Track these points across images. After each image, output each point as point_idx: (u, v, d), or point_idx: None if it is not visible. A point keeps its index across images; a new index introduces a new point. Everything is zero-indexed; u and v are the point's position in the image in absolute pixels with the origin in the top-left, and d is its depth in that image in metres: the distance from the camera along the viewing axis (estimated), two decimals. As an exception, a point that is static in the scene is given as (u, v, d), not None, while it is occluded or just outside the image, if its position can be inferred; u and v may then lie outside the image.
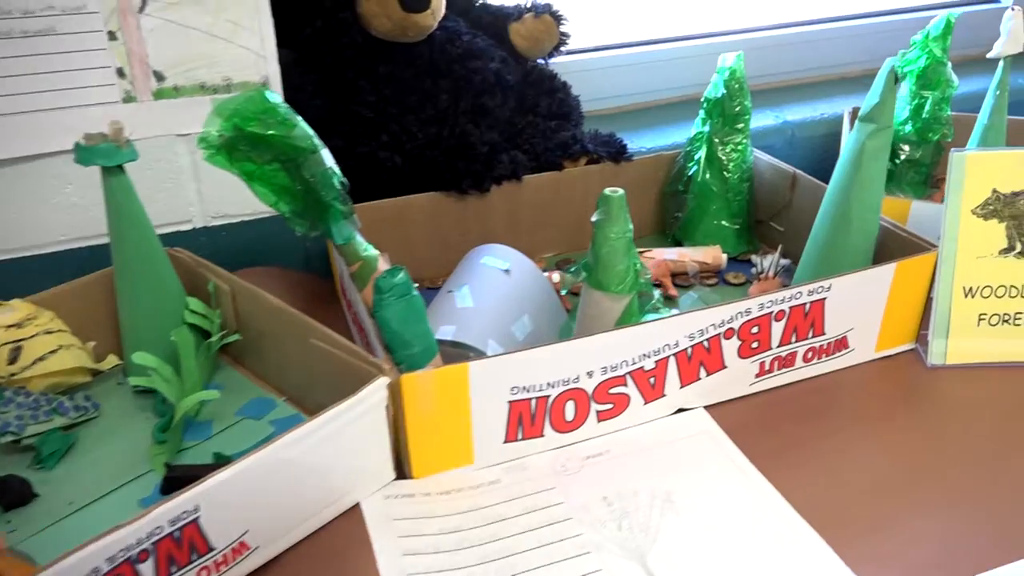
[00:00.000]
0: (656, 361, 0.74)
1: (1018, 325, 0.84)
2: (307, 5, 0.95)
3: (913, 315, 0.85)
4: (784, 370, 0.82)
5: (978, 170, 0.80)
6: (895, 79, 0.80)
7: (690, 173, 1.04)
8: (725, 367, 0.78)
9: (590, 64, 1.27)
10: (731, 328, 0.76)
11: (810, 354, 0.82)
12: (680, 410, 0.79)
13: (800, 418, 0.79)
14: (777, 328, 0.78)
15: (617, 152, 1.06)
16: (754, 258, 1.03)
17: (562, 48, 1.16)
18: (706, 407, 0.79)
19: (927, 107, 1.11)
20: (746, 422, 0.78)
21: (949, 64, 1.13)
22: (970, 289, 0.83)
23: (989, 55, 0.93)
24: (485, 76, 1.03)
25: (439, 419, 0.69)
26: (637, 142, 1.19)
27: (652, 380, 0.75)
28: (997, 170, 0.80)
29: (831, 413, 0.80)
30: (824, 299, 0.79)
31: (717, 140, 1.01)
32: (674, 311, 0.79)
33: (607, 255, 0.75)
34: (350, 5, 0.95)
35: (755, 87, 1.37)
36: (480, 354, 0.74)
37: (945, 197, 0.80)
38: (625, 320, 0.76)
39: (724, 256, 1.02)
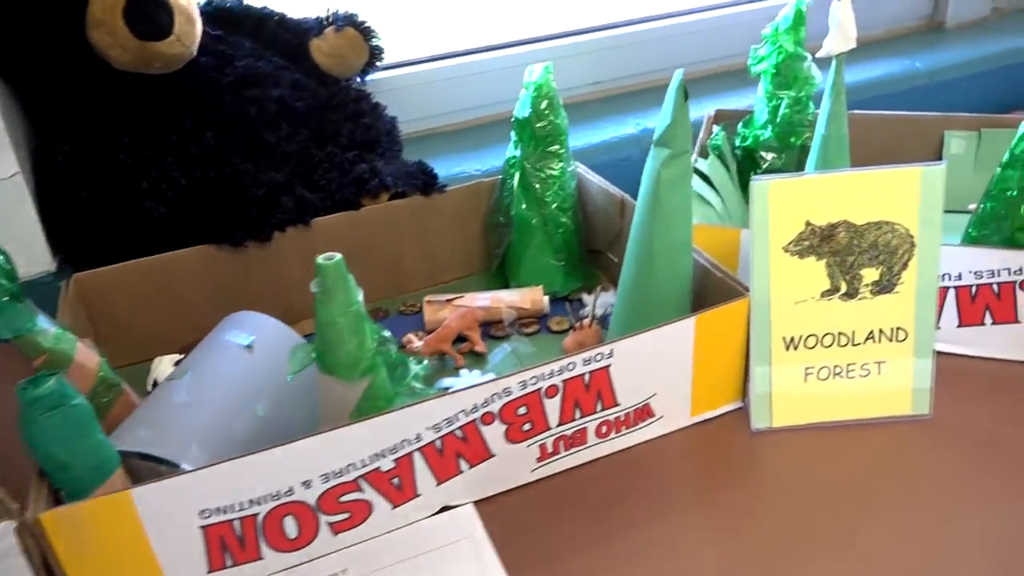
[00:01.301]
0: (395, 460, 0.62)
1: (851, 378, 0.71)
2: (30, 41, 0.82)
3: (733, 371, 0.72)
4: (574, 450, 0.69)
5: (785, 201, 0.67)
6: (684, 95, 0.67)
7: (507, 203, 0.91)
8: (493, 455, 0.65)
9: (411, 79, 1.13)
10: (489, 412, 0.63)
11: (605, 428, 0.69)
12: (446, 508, 0.66)
13: (595, 509, 0.66)
14: (552, 405, 0.65)
15: (425, 184, 0.93)
16: (585, 297, 0.90)
17: (377, 64, 1.03)
18: (478, 502, 0.67)
19: (783, 108, 0.98)
20: (525, 519, 0.65)
21: (808, 57, 0.99)
22: (791, 339, 0.70)
23: (819, 54, 0.80)
24: (264, 106, 0.90)
25: (109, 559, 0.56)
26: (466, 165, 1.06)
27: (396, 481, 0.63)
28: (808, 199, 0.67)
29: (633, 499, 0.67)
30: (607, 366, 0.66)
31: (529, 166, 0.88)
32: (433, 391, 0.66)
33: (332, 336, 0.62)
34: (81, 37, 0.82)
35: (608, 92, 1.26)
36: (173, 468, 0.61)
37: (750, 234, 0.67)
38: (370, 407, 0.64)
39: (546, 299, 0.89)
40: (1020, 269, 0.73)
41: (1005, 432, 0.71)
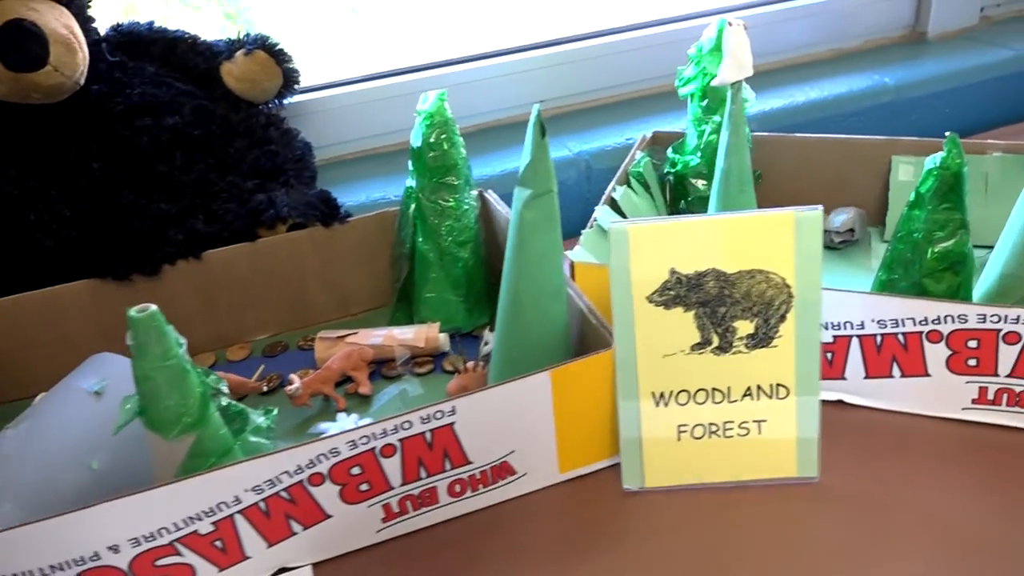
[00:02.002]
0: (214, 523, 0.58)
1: (729, 438, 0.65)
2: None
3: (603, 426, 0.67)
4: (424, 509, 0.64)
5: (647, 247, 0.61)
6: (542, 132, 0.62)
7: (404, 235, 0.87)
8: (329, 516, 0.62)
9: (335, 102, 1.09)
10: (318, 474, 0.59)
11: (459, 487, 0.65)
12: (284, 569, 0.63)
13: (447, 571, 0.62)
14: (391, 465, 0.61)
15: (325, 215, 0.89)
16: (486, 334, 0.85)
17: (294, 87, 1.00)
18: (318, 564, 0.63)
19: (708, 133, 0.92)
20: (365, 586, 0.62)
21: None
22: (661, 395, 0.64)
23: (714, 83, 0.74)
24: (155, 136, 0.87)
25: None
26: (389, 191, 1.02)
27: (219, 543, 0.59)
28: (672, 246, 0.61)
29: (489, 560, 0.62)
30: (451, 424, 0.61)
31: (424, 197, 0.84)
32: (275, 445, 0.62)
33: (149, 391, 0.58)
34: (-46, 67, 0.80)
35: (526, 117, 1.20)
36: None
37: (610, 283, 0.62)
38: (199, 464, 0.60)
39: (442, 337, 0.84)
40: (926, 319, 0.67)
41: (901, 497, 0.64)
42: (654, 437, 0.65)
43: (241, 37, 0.97)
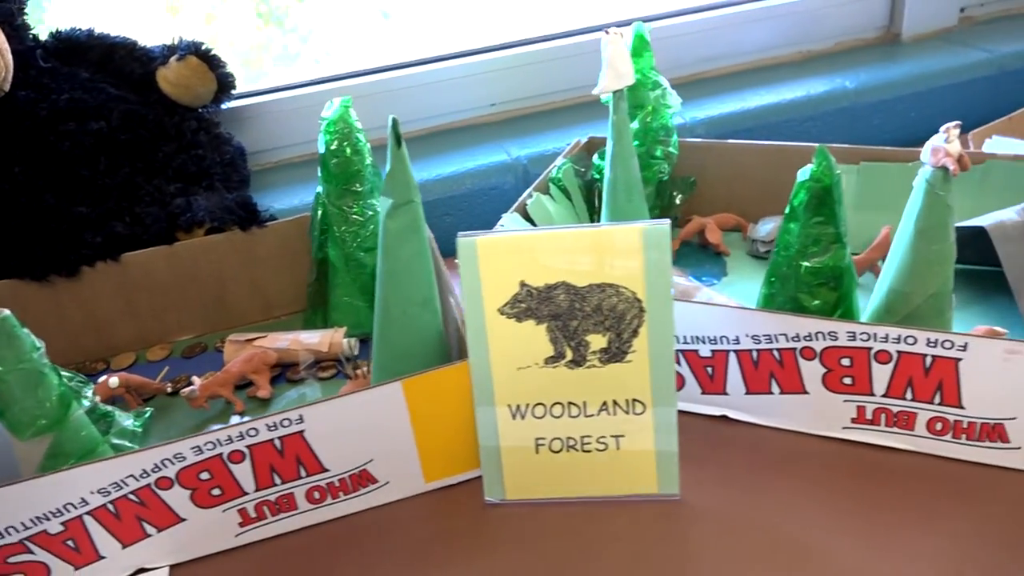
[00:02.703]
0: (63, 523, 0.60)
1: (588, 452, 0.64)
2: None
3: (465, 437, 0.66)
4: (283, 515, 0.65)
5: (497, 259, 0.61)
6: (397, 140, 0.62)
7: (313, 240, 0.88)
8: (183, 519, 0.63)
9: (272, 107, 1.10)
10: (165, 478, 0.60)
11: (318, 494, 0.65)
12: (143, 570, 0.64)
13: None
14: (242, 471, 0.62)
15: (243, 219, 0.90)
16: (352, 341, 0.86)
17: (230, 92, 1.01)
18: (178, 564, 0.64)
19: (639, 141, 0.91)
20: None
21: (664, 84, 0.92)
22: (518, 408, 0.64)
23: (593, 91, 0.72)
24: (80, 140, 0.90)
25: None
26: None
27: (71, 543, 0.61)
28: (522, 258, 0.61)
29: (346, 568, 0.63)
30: (300, 431, 0.62)
31: (329, 204, 0.84)
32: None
33: (3, 393, 0.60)
34: None
35: (480, 120, 1.19)
36: None
37: (461, 295, 0.62)
38: (58, 464, 0.62)
39: (347, 342, 0.85)
40: (798, 336, 0.65)
41: (763, 517, 0.63)
42: (513, 449, 0.65)
43: (175, 43, 0.98)
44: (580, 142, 1.00)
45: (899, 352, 0.62)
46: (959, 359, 0.61)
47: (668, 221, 0.59)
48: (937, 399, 0.63)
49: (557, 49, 1.20)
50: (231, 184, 0.98)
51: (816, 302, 0.66)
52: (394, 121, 0.62)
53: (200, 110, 1.02)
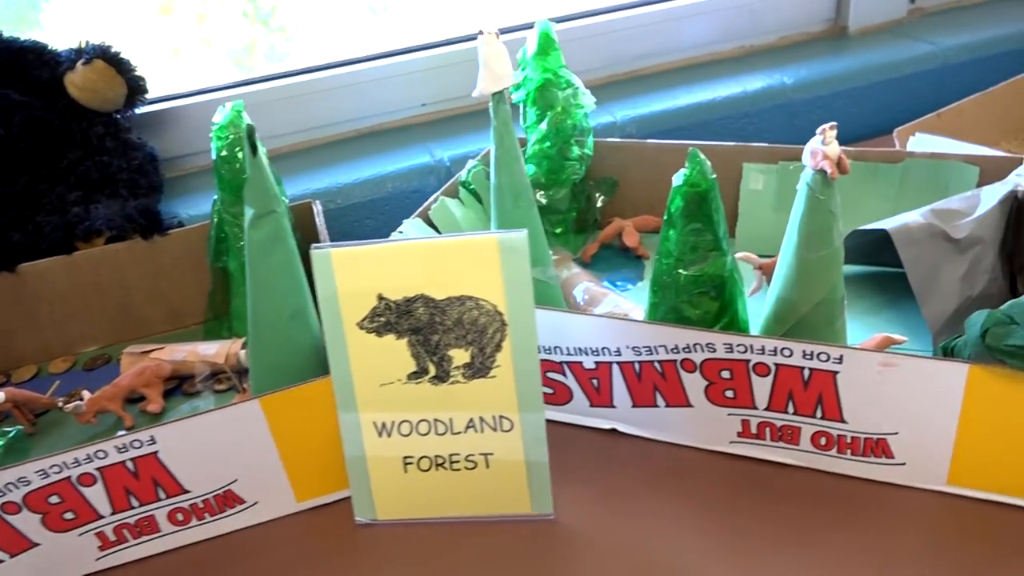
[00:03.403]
0: (-95, 549, 0.58)
1: (457, 471, 0.62)
2: None
3: (335, 455, 0.64)
4: (145, 538, 0.63)
5: (353, 272, 0.58)
6: (253, 148, 0.59)
7: (211, 248, 0.85)
8: (37, 544, 0.60)
9: (192, 110, 1.08)
10: (11, 503, 0.58)
11: (181, 516, 0.63)
12: (2, 595, 0.62)
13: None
14: (95, 494, 0.60)
15: (144, 228, 0.88)
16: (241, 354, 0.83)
17: (143, 96, 0.99)
18: (37, 589, 0.62)
19: (535, 140, 0.88)
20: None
21: (575, 84, 0.89)
22: (383, 425, 0.61)
23: (473, 94, 0.70)
24: (-26, 148, 0.87)
25: None
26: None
27: (-84, 570, 0.59)
28: (379, 271, 0.58)
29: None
30: (155, 452, 0.60)
31: (223, 211, 0.82)
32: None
33: None
34: None
35: (410, 120, 1.16)
36: None
37: (320, 309, 0.59)
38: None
39: (243, 353, 0.82)
40: (677, 347, 0.62)
41: (638, 541, 0.60)
42: (381, 468, 0.62)
43: (82, 46, 0.96)
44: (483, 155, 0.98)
45: (777, 364, 0.60)
46: (836, 372, 0.58)
47: (525, 231, 0.56)
48: (819, 413, 0.61)
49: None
50: (139, 191, 0.95)
51: (698, 311, 0.63)
52: (249, 129, 0.60)
53: (115, 115, 1.00)
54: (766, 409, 0.62)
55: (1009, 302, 0.53)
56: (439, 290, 0.58)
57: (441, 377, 0.60)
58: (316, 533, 0.65)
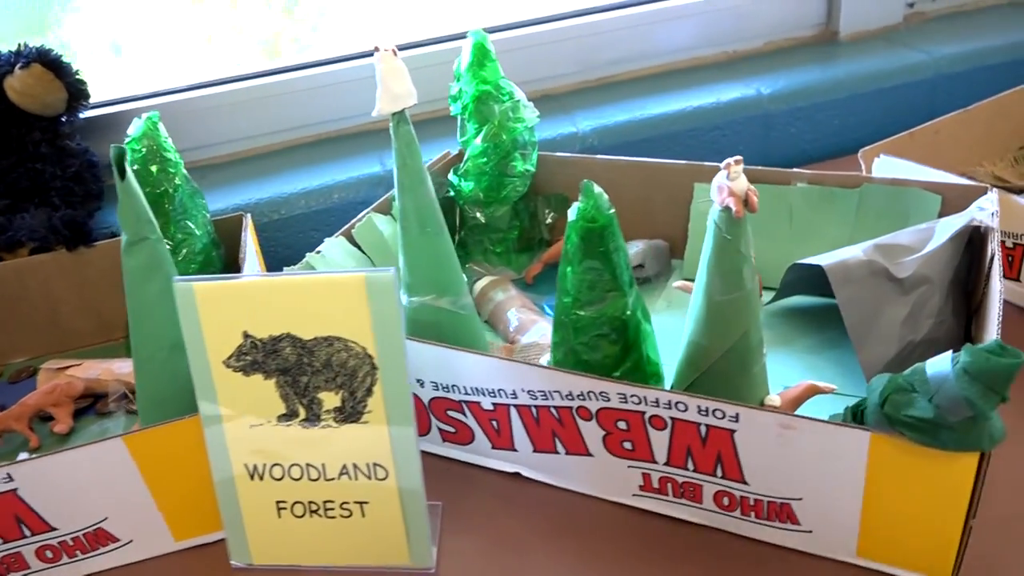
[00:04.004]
0: None
1: (332, 519, 0.58)
2: None
3: (211, 495, 0.61)
4: (15, 575, 0.60)
5: (217, 307, 0.55)
6: (121, 172, 0.56)
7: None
8: None
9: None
10: None
11: (50, 554, 0.60)
12: None
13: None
14: (-46, 530, 0.57)
15: (69, 239, 0.86)
16: None
17: (84, 101, 0.97)
18: (-100, 625, 0.60)
19: (475, 156, 0.84)
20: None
21: (517, 96, 0.85)
22: (255, 468, 0.58)
23: (373, 113, 0.65)
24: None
25: None
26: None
27: None
28: (244, 307, 0.54)
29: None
30: (14, 490, 0.57)
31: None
32: None
33: None
34: None
35: (367, 127, 1.12)
36: None
37: (186, 345, 0.56)
38: None
39: (159, 373, 0.80)
40: (571, 394, 0.57)
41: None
42: (255, 512, 0.59)
43: (20, 48, 0.94)
44: (450, 154, 0.93)
45: (672, 418, 0.55)
46: (733, 431, 0.53)
47: (392, 269, 0.52)
48: (719, 472, 0.56)
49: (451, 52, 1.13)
50: (73, 199, 0.93)
51: (597, 355, 0.58)
52: (117, 152, 0.56)
53: (61, 118, 0.97)
54: (666, 464, 0.57)
55: (912, 367, 0.47)
56: (306, 330, 0.54)
57: (312, 420, 0.56)
58: (193, 574, 0.62)
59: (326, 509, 0.58)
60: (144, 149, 0.77)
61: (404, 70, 0.62)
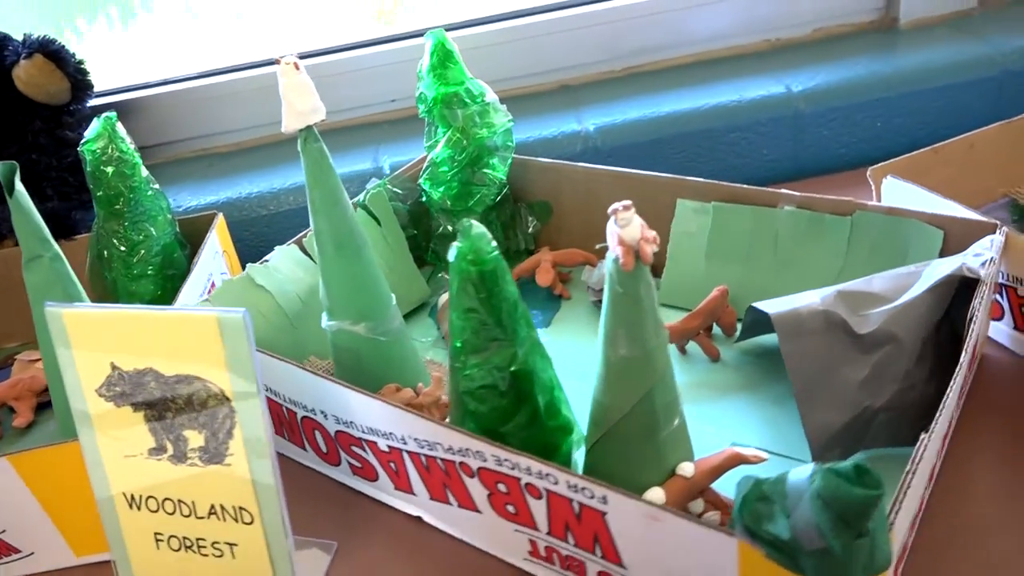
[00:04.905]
0: None
1: (205, 556, 0.56)
2: None
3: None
4: (-76, 576, 0.62)
5: (88, 335, 0.53)
6: (10, 188, 0.55)
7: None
8: None
9: (160, 100, 1.05)
10: None
11: (-44, 559, 0.62)
12: None
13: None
14: None
15: (52, 232, 0.87)
16: None
17: (89, 91, 0.98)
18: None
19: (440, 164, 0.79)
20: None
21: (487, 99, 0.79)
22: (133, 498, 0.56)
23: (282, 129, 0.61)
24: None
25: None
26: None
27: None
28: (113, 337, 0.52)
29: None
30: (-89, 500, 0.58)
31: (98, 226, 0.79)
32: None
33: None
34: None
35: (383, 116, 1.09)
36: None
37: (61, 370, 0.54)
38: None
39: (115, 372, 0.80)
40: (452, 448, 0.53)
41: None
42: (136, 541, 0.57)
43: (26, 39, 0.96)
44: (427, 158, 0.89)
45: (547, 490, 0.49)
46: (604, 512, 0.47)
47: (243, 310, 0.48)
48: (598, 551, 0.50)
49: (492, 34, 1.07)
50: (67, 189, 0.95)
51: (484, 407, 0.53)
52: (7, 168, 0.56)
53: (69, 107, 0.99)
54: (548, 534, 0.52)
55: (775, 476, 0.39)
56: (168, 366, 0.52)
57: (179, 458, 0.54)
58: (93, 591, 0.62)
59: (199, 547, 0.56)
60: (99, 151, 0.76)
61: (307, 85, 0.58)
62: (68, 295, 0.61)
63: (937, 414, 0.47)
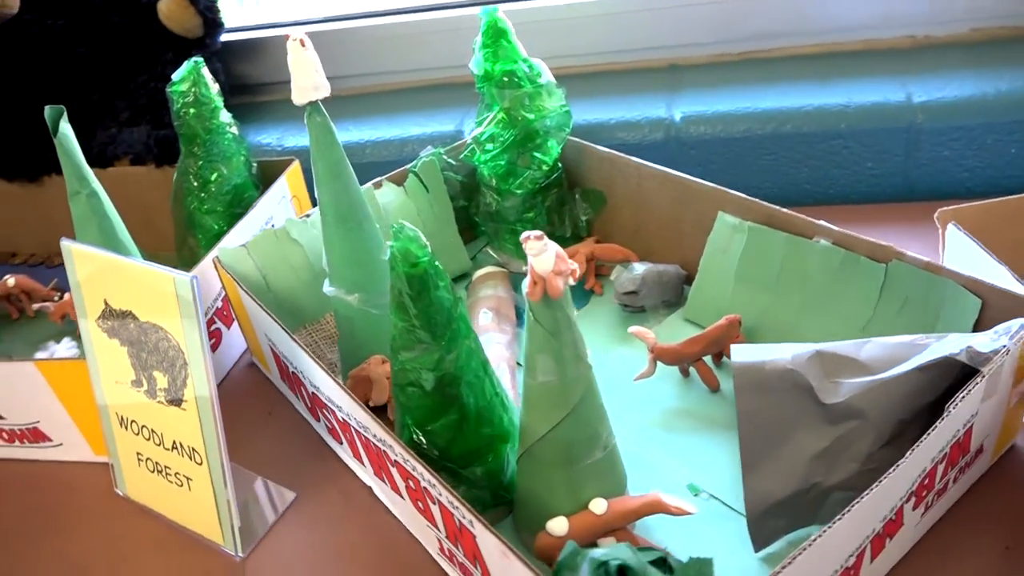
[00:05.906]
0: None
1: (169, 482, 0.62)
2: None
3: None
4: (-17, 444, 0.73)
5: (88, 271, 0.59)
6: (55, 129, 0.62)
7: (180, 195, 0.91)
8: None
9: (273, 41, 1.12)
10: None
11: (6, 436, 0.72)
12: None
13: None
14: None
15: (159, 156, 0.97)
16: None
17: (219, 28, 1.06)
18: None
19: (489, 145, 0.79)
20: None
21: (542, 80, 0.77)
22: (122, 418, 0.63)
23: (294, 101, 0.62)
24: (65, 62, 1.02)
25: None
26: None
27: None
28: (105, 277, 0.58)
29: None
30: (-32, 381, 0.68)
31: (181, 161, 0.86)
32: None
33: None
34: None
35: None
36: None
37: (72, 295, 0.61)
38: None
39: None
40: (376, 436, 0.54)
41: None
42: (124, 455, 0.65)
43: (168, -24, 1.04)
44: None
45: (436, 499, 0.50)
46: (474, 535, 0.47)
47: (192, 276, 0.52)
48: (478, 568, 0.50)
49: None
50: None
51: (411, 404, 0.54)
52: (53, 112, 0.62)
53: (206, 41, 1.08)
54: (447, 538, 0.53)
55: (586, 550, 0.37)
56: (143, 312, 0.57)
57: (151, 394, 0.60)
58: (88, 487, 0.69)
59: (167, 473, 0.62)
60: (184, 92, 0.83)
61: (312, 62, 0.59)
62: (101, 228, 0.68)
63: (845, 510, 0.43)
